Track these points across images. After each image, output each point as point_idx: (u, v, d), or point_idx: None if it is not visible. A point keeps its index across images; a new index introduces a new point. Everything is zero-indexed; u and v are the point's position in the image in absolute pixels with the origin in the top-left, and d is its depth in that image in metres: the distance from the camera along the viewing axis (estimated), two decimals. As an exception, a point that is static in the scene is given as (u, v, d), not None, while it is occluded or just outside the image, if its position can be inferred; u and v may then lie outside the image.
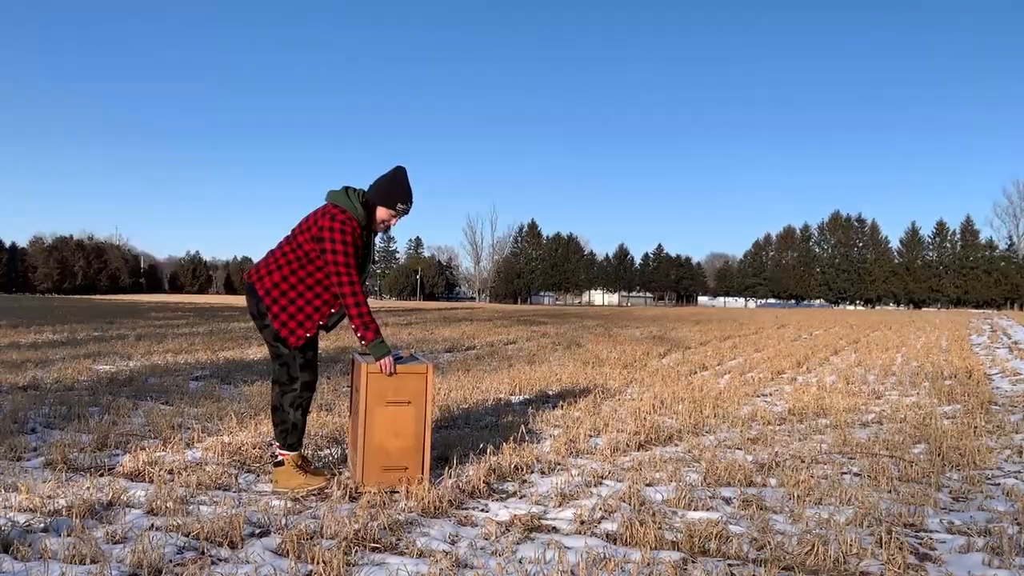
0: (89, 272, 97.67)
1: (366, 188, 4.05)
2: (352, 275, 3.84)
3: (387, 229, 4.12)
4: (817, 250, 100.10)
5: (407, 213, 4.06)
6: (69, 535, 3.14)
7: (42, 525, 3.27)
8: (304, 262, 3.92)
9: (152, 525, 3.31)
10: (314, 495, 3.87)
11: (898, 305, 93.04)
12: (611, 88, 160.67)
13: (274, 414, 4.02)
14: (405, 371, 3.91)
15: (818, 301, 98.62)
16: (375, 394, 3.87)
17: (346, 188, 4.01)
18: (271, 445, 4.27)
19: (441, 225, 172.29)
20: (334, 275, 3.83)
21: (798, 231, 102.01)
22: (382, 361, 3.85)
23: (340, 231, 3.82)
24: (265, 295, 3.91)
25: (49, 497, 3.64)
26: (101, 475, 4.11)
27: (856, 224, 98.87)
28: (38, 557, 2.92)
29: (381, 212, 3.99)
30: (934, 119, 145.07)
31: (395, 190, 3.98)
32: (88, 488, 3.81)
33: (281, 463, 3.97)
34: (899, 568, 3.00)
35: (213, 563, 2.92)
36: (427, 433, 3.96)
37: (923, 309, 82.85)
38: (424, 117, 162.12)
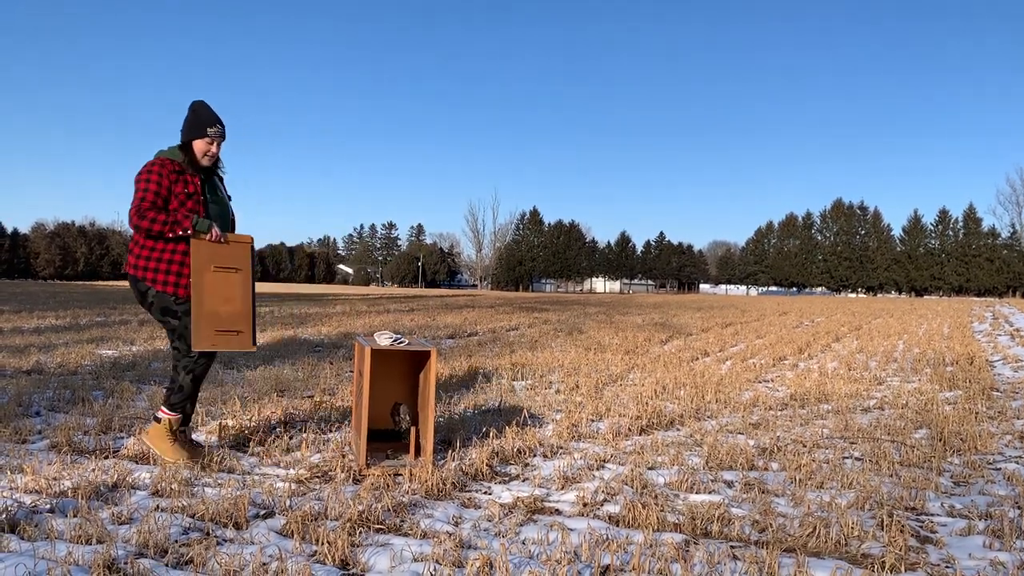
0: (91, 258, 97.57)
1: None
2: (144, 204, 3.87)
3: (214, 159, 4.15)
4: (819, 238, 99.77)
5: (223, 135, 4.13)
6: (75, 516, 3.16)
7: (48, 506, 3.29)
8: None
9: (157, 506, 3.33)
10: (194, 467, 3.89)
11: (900, 293, 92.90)
12: (613, 76, 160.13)
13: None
14: (233, 239, 4.06)
15: (820, 289, 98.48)
16: (203, 260, 3.96)
17: (161, 149, 4.12)
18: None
19: (443, 212, 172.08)
20: (133, 216, 3.86)
21: (800, 219, 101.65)
22: (212, 232, 3.94)
23: (146, 172, 3.93)
24: (138, 271, 4.00)
25: (54, 479, 3.66)
26: (106, 457, 4.13)
27: (858, 212, 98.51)
28: (44, 537, 2.94)
29: (199, 145, 4.07)
30: (937, 106, 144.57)
31: (200, 118, 4.08)
32: (93, 470, 3.83)
33: (159, 420, 4.08)
34: (900, 550, 3.02)
35: (218, 543, 2.94)
36: (254, 301, 4.13)
37: (925, 297, 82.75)
38: (426, 104, 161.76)
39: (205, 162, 4.11)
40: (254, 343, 4.14)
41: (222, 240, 3.99)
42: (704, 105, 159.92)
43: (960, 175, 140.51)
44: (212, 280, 3.98)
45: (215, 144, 4.11)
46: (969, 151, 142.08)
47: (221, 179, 4.32)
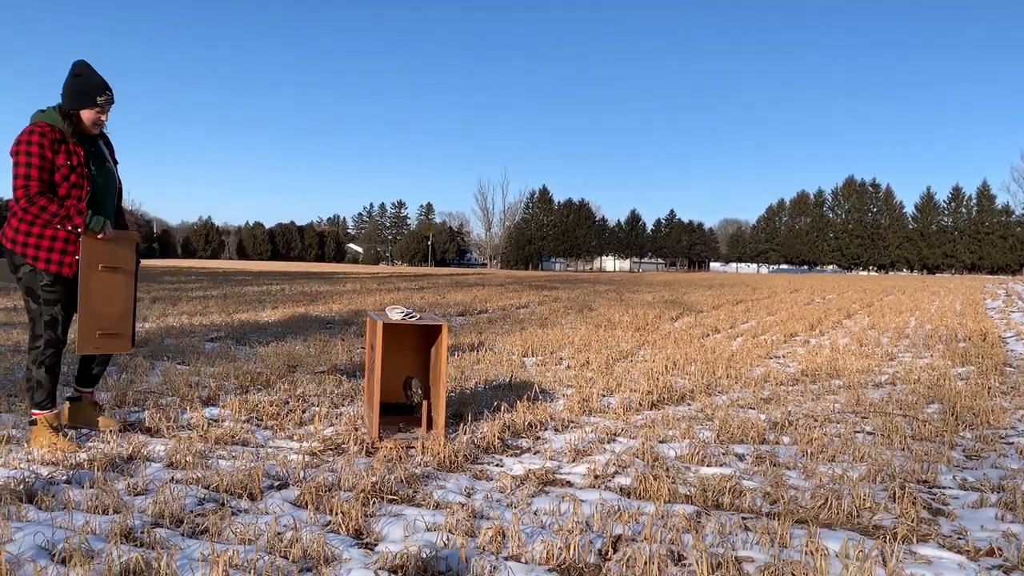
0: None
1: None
2: (31, 186, 3.63)
3: (101, 127, 3.89)
4: (831, 215, 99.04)
5: (112, 101, 3.84)
6: (91, 487, 3.20)
7: (65, 477, 3.33)
8: None
9: (172, 478, 3.36)
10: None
11: (912, 271, 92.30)
12: (624, 55, 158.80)
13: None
14: (121, 236, 3.90)
15: (831, 267, 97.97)
16: (92, 259, 3.79)
17: (40, 110, 3.83)
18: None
19: (452, 191, 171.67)
20: (21, 197, 3.62)
21: (812, 196, 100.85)
22: (105, 231, 3.76)
23: (26, 144, 3.64)
24: (14, 244, 3.75)
25: (71, 451, 3.70)
26: (121, 430, 4.16)
27: (870, 189, 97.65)
28: (62, 508, 2.97)
29: (88, 115, 3.79)
30: (950, 82, 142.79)
31: (87, 85, 3.77)
32: (109, 442, 3.87)
33: (35, 422, 3.84)
34: (912, 522, 3.02)
35: (233, 514, 2.97)
36: (135, 300, 3.99)
37: (937, 275, 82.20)
38: (435, 84, 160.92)
39: (94, 131, 3.85)
40: (133, 344, 4.00)
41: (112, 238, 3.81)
42: (715, 83, 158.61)
43: (974, 152, 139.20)
44: (99, 279, 3.82)
45: (104, 113, 3.84)
46: (983, 128, 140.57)
47: (108, 142, 4.05)
